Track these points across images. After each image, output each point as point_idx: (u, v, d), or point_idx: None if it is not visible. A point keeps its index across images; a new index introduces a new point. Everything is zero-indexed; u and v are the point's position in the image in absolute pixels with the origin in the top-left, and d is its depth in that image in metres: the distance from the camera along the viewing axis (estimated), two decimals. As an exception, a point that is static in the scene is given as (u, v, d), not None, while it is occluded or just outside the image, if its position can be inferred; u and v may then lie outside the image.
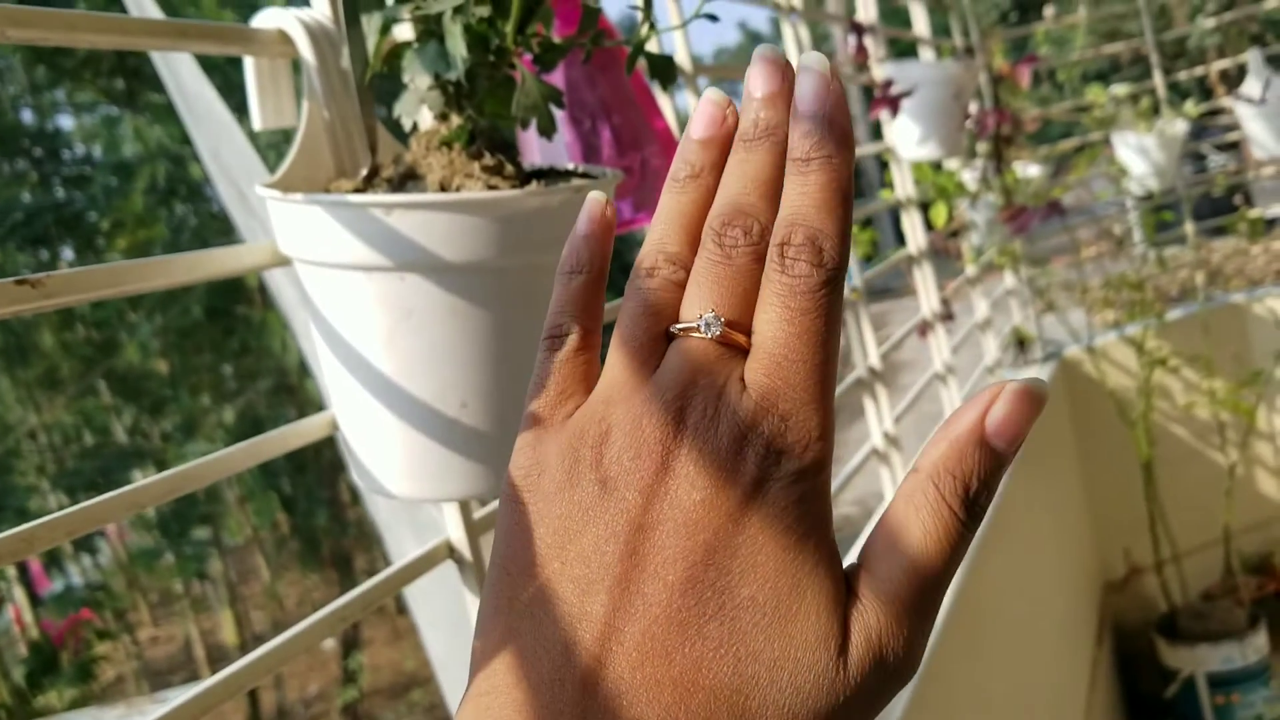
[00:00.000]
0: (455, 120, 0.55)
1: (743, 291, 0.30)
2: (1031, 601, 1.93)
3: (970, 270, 2.23)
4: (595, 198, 0.34)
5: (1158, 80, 3.07)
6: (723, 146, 0.32)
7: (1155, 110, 2.90)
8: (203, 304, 9.26)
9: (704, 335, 0.29)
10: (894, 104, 1.73)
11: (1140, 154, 2.75)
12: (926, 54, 2.25)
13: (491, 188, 0.51)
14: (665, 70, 0.54)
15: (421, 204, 0.48)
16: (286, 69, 0.61)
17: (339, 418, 0.56)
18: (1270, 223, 3.51)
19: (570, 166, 0.60)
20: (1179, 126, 2.78)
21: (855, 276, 1.51)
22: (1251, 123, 2.85)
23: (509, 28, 0.52)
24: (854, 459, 1.44)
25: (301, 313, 0.99)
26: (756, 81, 0.31)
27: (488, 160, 0.53)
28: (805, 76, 0.30)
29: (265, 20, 0.58)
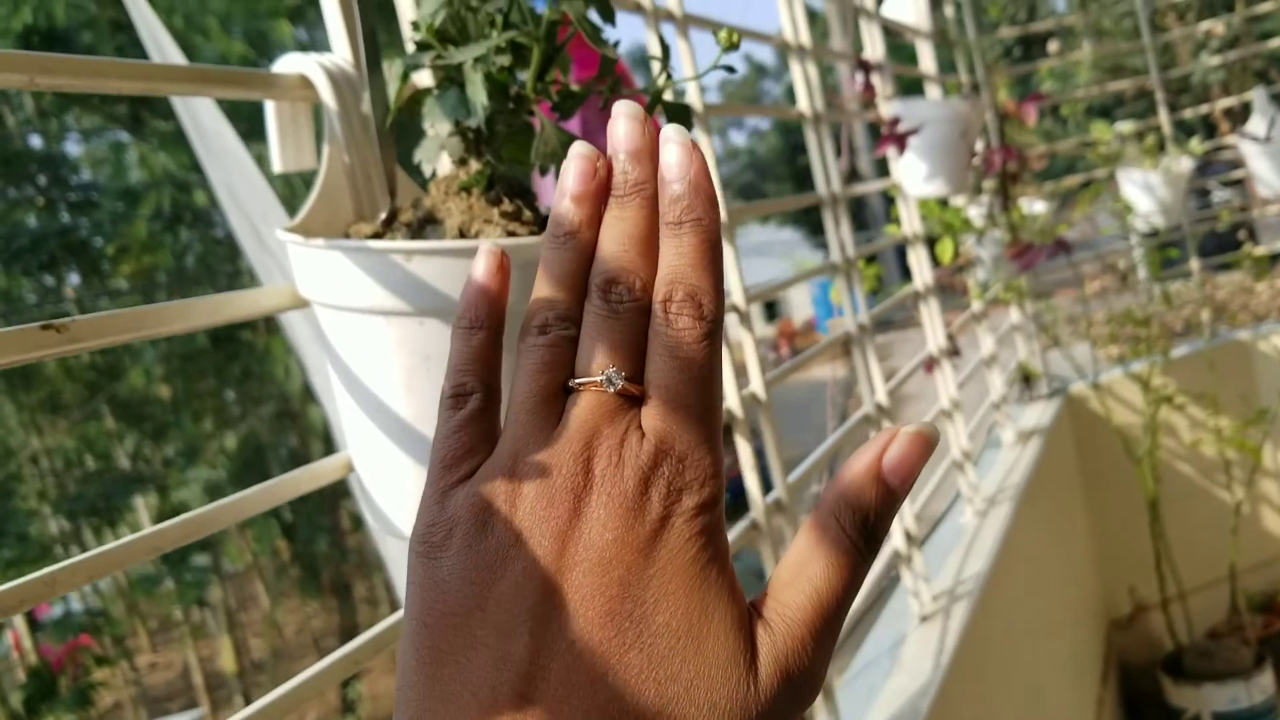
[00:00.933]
0: (474, 165, 0.55)
1: (633, 345, 0.32)
2: (1037, 639, 1.92)
3: (976, 306, 2.24)
4: (488, 249, 0.36)
5: (1163, 117, 3.09)
6: (595, 200, 0.34)
7: (1160, 147, 2.92)
8: (207, 330, 9.20)
9: (605, 389, 0.32)
10: (901, 141, 1.74)
11: (1145, 191, 2.76)
12: (933, 91, 2.26)
13: (510, 233, 0.52)
14: (681, 117, 0.55)
15: (441, 250, 0.48)
16: (307, 113, 0.61)
17: (355, 460, 0.56)
18: (1275, 259, 3.51)
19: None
20: (1184, 164, 2.79)
21: (861, 311, 1.51)
22: (1256, 161, 2.87)
23: (529, 76, 0.53)
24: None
25: (314, 350, 0.99)
26: (619, 139, 0.34)
27: (506, 206, 0.53)
28: (668, 149, 0.33)
29: (287, 65, 0.59)
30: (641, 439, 0.31)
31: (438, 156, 0.54)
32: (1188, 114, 3.37)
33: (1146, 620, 2.70)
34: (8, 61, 0.43)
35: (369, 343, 0.51)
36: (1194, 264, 3.03)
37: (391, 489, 0.53)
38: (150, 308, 0.46)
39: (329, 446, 9.31)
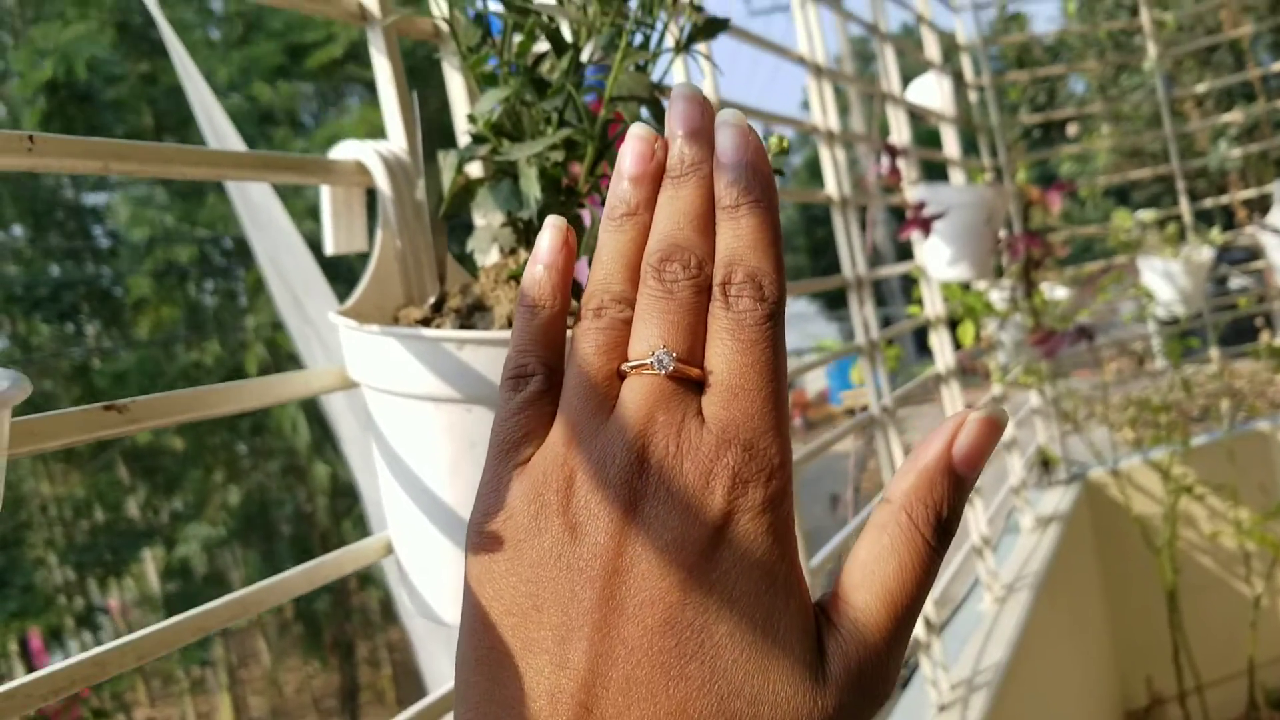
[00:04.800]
0: (523, 255, 0.56)
1: (688, 325, 0.31)
2: (1054, 731, 1.89)
3: (997, 389, 2.24)
4: (554, 223, 0.34)
5: (1184, 206, 3.11)
6: (654, 181, 0.33)
7: (1181, 236, 2.93)
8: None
9: (657, 371, 0.30)
10: (926, 226, 1.76)
11: (1166, 279, 2.77)
12: (957, 176, 2.28)
13: (559, 324, 0.52)
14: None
15: (492, 340, 0.49)
16: (360, 197, 0.63)
17: (395, 541, 0.56)
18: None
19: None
20: (1205, 254, 2.81)
21: (885, 396, 1.51)
22: (1276, 253, 2.88)
23: (582, 172, 0.54)
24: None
25: (349, 420, 1.00)
26: (678, 120, 0.33)
27: (555, 297, 0.54)
28: (724, 131, 0.32)
29: (344, 152, 0.61)
30: (701, 426, 0.29)
31: (491, 247, 0.55)
32: (1208, 204, 3.39)
33: (1163, 713, 2.65)
34: (84, 148, 0.44)
35: (416, 427, 0.51)
36: (1214, 353, 3.04)
37: (430, 573, 0.54)
38: (205, 389, 0.46)
39: (334, 503, 9.30)
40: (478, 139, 0.56)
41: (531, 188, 0.53)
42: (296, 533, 9.46)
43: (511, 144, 0.56)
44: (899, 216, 1.87)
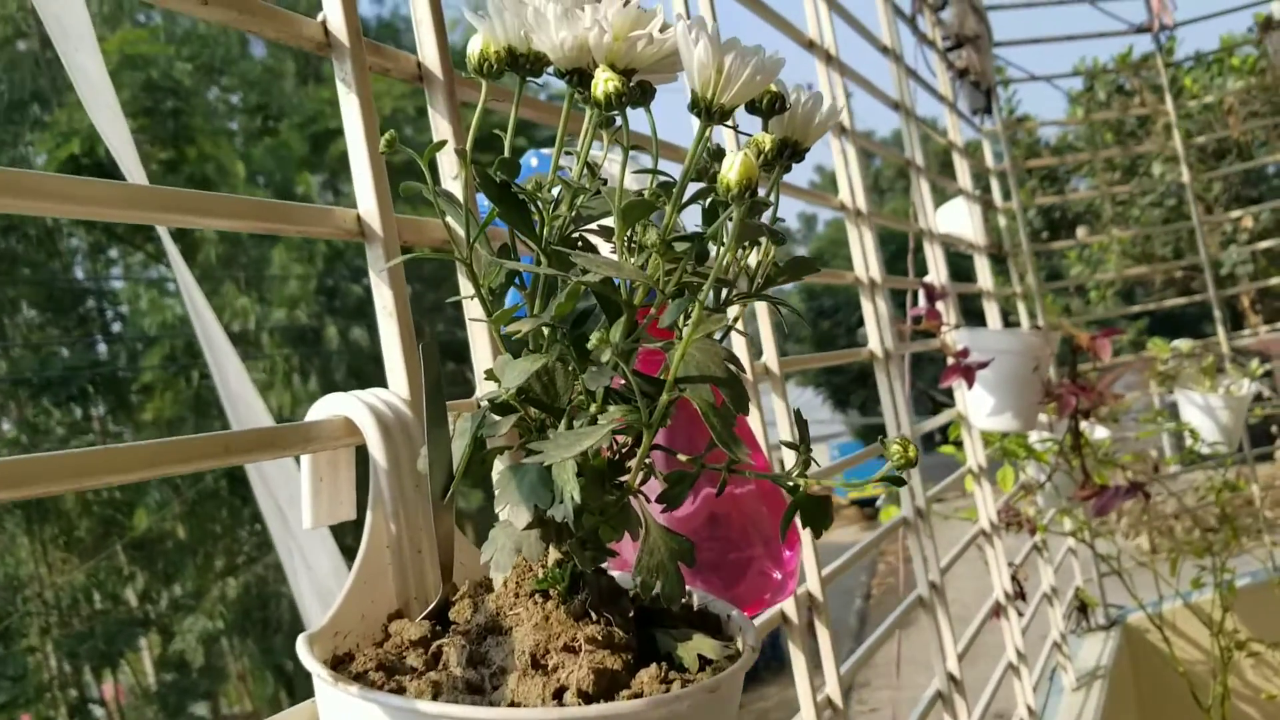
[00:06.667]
0: (553, 554, 0.44)
1: None
2: None
3: (1038, 538, 2.10)
4: None
5: (1221, 335, 3.01)
6: None
7: (1219, 369, 2.82)
8: (223, 469, 9.26)
9: None
10: (969, 374, 1.64)
11: (1206, 414, 2.65)
12: (992, 310, 2.17)
13: (597, 671, 0.40)
14: (818, 516, 0.44)
15: (513, 721, 0.37)
16: (349, 458, 0.51)
17: None
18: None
19: (684, 597, 0.48)
20: (1246, 388, 2.69)
21: (933, 568, 1.38)
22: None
23: (636, 460, 0.42)
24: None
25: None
26: None
27: (592, 628, 0.42)
28: None
29: (329, 407, 0.49)
30: None
31: (511, 561, 0.43)
32: (1246, 339, 3.30)
33: None
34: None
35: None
36: (1255, 490, 2.90)
37: None
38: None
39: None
40: (501, 409, 0.44)
41: (568, 484, 0.41)
42: (295, 628, 9.25)
43: (542, 414, 0.44)
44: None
